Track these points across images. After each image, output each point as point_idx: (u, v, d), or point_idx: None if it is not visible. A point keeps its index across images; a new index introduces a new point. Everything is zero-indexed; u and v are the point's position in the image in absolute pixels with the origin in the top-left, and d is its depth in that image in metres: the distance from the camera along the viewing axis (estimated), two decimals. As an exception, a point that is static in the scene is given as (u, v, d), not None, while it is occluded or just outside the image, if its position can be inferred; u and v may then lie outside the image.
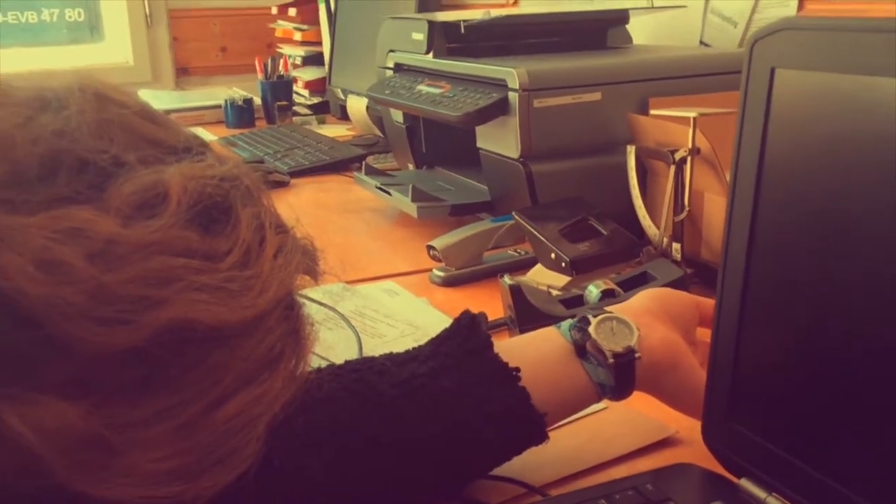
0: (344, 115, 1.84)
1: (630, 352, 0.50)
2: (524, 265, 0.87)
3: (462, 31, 1.05)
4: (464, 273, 0.87)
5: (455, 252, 0.86)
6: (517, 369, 0.48)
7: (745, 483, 0.45)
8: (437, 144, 1.17)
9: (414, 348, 0.50)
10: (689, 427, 0.55)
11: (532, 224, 0.81)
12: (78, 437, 0.33)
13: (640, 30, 1.26)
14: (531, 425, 0.48)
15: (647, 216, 0.86)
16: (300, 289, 0.43)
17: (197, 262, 0.36)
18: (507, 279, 0.69)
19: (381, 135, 1.56)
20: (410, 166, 1.22)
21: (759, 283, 0.44)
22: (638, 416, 0.57)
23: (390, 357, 0.50)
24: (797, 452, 0.42)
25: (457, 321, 0.50)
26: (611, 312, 0.52)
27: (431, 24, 1.07)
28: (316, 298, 0.52)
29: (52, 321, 0.32)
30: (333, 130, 1.78)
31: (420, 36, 1.09)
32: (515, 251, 0.91)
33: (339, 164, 1.43)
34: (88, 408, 0.33)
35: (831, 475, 0.40)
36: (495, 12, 1.06)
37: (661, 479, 0.47)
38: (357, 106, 1.64)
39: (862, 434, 0.39)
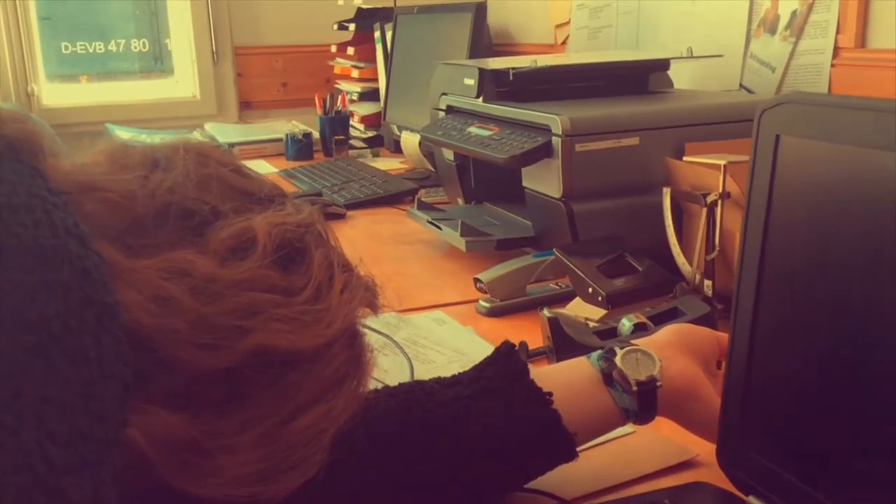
0: (397, 149, 1.93)
1: (652, 380, 0.56)
2: (564, 298, 0.93)
3: (511, 77, 1.12)
4: (507, 304, 0.93)
5: (500, 285, 0.93)
6: (550, 394, 0.54)
7: (752, 500, 0.51)
8: (485, 181, 1.24)
9: (459, 373, 0.57)
10: (709, 451, 0.60)
11: (571, 260, 0.87)
12: (179, 442, 0.40)
13: (682, 74, 1.32)
14: (562, 444, 0.54)
15: (681, 254, 0.92)
16: (362, 319, 0.50)
17: (278, 296, 0.44)
18: (546, 312, 0.76)
19: (432, 169, 1.64)
20: (460, 201, 1.30)
21: (767, 321, 0.50)
22: (662, 440, 0.63)
23: (438, 381, 0.56)
24: (800, 474, 0.48)
25: (497, 350, 0.57)
26: (636, 345, 0.58)
27: (482, 70, 1.15)
28: (374, 328, 0.60)
29: (163, 346, 0.39)
30: (387, 163, 1.86)
31: (471, 81, 1.17)
32: (556, 284, 0.97)
33: (393, 197, 1.51)
34: (188, 418, 0.41)
35: (832, 497, 0.45)
36: (542, 60, 1.13)
37: (677, 494, 0.53)
38: (410, 141, 1.72)
39: (862, 462, 0.44)
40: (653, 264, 0.90)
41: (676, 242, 0.93)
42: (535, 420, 0.54)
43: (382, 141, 2.10)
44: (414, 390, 0.55)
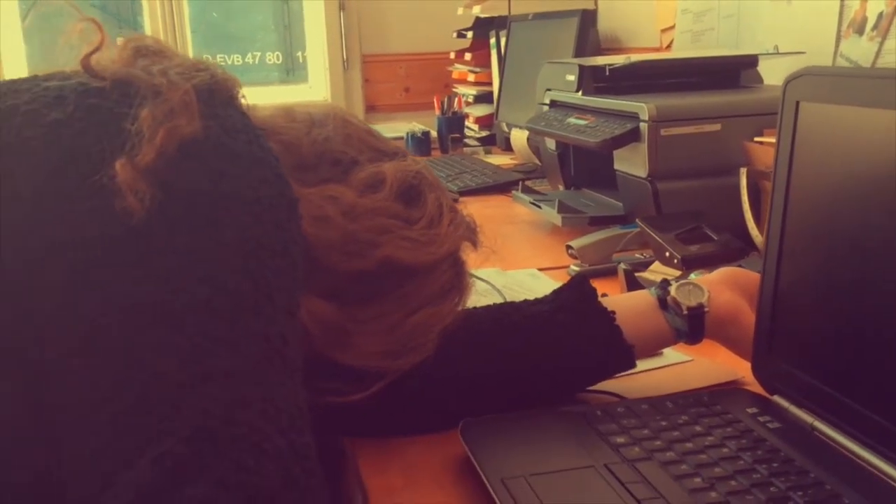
0: (508, 147, 2.07)
1: (700, 307, 0.68)
2: (646, 265, 1.05)
3: (607, 73, 1.25)
4: (595, 269, 1.06)
5: (589, 251, 1.06)
6: (613, 312, 0.67)
7: (777, 398, 0.62)
8: (583, 168, 1.37)
9: (542, 296, 0.71)
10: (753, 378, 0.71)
11: (652, 228, 0.99)
12: (329, 323, 0.56)
13: (775, 72, 1.40)
14: (622, 353, 0.67)
15: (754, 227, 1.02)
16: (468, 259, 0.65)
17: (401, 223, 0.60)
18: (623, 265, 0.88)
19: (538, 163, 1.78)
20: (560, 187, 1.43)
21: (790, 256, 0.62)
22: (713, 365, 0.75)
23: (524, 301, 0.71)
24: (816, 375, 0.59)
25: (573, 279, 0.70)
26: (689, 280, 0.70)
27: (582, 67, 1.28)
28: (478, 275, 0.74)
29: (318, 251, 0.55)
30: (498, 159, 2.01)
31: (572, 77, 1.31)
32: (640, 254, 1.09)
33: (501, 186, 1.66)
34: (335, 307, 0.57)
35: (844, 393, 0.56)
36: (636, 57, 1.26)
37: (716, 395, 0.65)
38: (519, 137, 1.87)
39: (870, 366, 0.55)
40: (728, 236, 1.00)
41: (751, 216, 1.03)
42: (600, 333, 0.67)
43: (495, 140, 2.26)
44: (505, 306, 0.70)
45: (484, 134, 2.31)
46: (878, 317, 0.53)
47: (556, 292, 0.70)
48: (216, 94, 0.48)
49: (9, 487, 0.39)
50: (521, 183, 1.43)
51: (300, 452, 0.38)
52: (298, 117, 0.63)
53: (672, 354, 0.78)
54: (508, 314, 0.68)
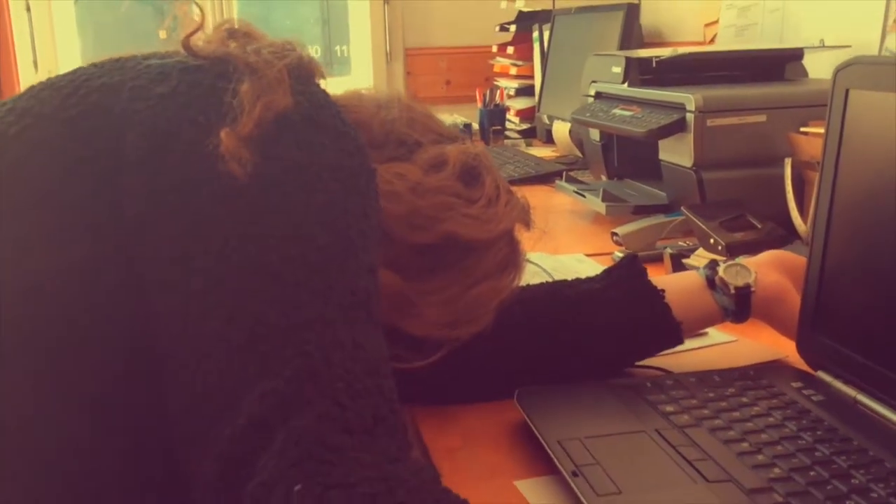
0: (549, 140, 2.10)
1: (747, 287, 0.70)
2: (690, 252, 1.07)
3: (653, 65, 1.27)
4: (641, 255, 1.08)
5: (633, 238, 1.09)
6: (662, 290, 0.70)
7: (820, 374, 0.65)
8: (627, 159, 1.40)
9: (592, 276, 0.74)
10: (798, 358, 0.74)
11: (697, 216, 1.02)
12: (395, 293, 0.60)
13: (821, 66, 1.41)
14: (670, 330, 0.70)
15: (798, 216, 1.04)
16: (521, 240, 0.68)
17: (462, 201, 0.63)
18: (669, 249, 0.91)
19: (580, 155, 1.80)
20: (603, 178, 1.46)
21: (836, 240, 0.64)
22: (758, 345, 0.77)
23: (576, 279, 0.74)
24: (858, 350, 0.61)
25: (623, 258, 0.73)
26: (737, 261, 0.73)
27: (629, 59, 1.31)
28: (528, 258, 0.78)
29: (388, 225, 0.59)
30: (539, 151, 2.04)
31: (618, 69, 1.33)
32: (684, 242, 1.12)
33: (543, 177, 1.69)
34: (401, 278, 0.60)
35: (888, 367, 0.58)
36: (682, 50, 1.28)
37: (760, 369, 0.68)
38: (561, 129, 1.89)
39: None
40: (772, 224, 1.03)
41: (795, 206, 1.05)
42: (650, 309, 0.70)
43: (535, 133, 2.28)
44: (558, 283, 0.73)
45: (525, 127, 2.34)
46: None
47: (607, 271, 0.73)
48: (303, 73, 0.52)
49: (115, 430, 0.43)
50: (564, 173, 1.46)
51: (387, 394, 0.42)
52: (366, 100, 0.67)
53: (717, 335, 0.81)
54: (561, 290, 0.72)
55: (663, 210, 1.21)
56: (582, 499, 0.49)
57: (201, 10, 0.52)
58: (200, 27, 0.51)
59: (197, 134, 0.45)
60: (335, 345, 0.41)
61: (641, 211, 1.22)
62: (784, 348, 0.75)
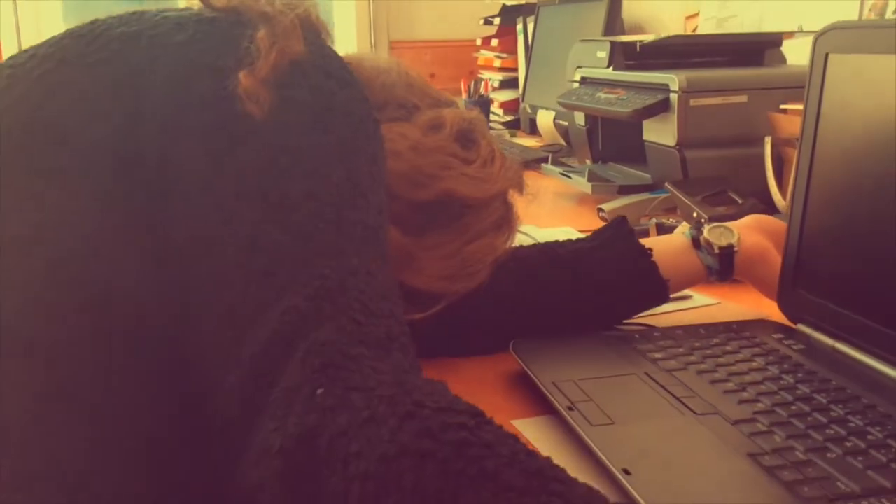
0: (532, 131, 2.13)
1: (730, 247, 0.74)
2: (673, 228, 1.10)
3: (638, 49, 1.31)
4: (625, 230, 1.12)
5: (620, 214, 1.11)
6: (650, 249, 0.73)
7: (800, 326, 0.68)
8: (611, 142, 1.43)
9: (582, 237, 0.77)
10: (780, 318, 0.77)
11: (680, 190, 1.05)
12: (397, 247, 0.62)
13: (799, 54, 1.46)
14: (657, 287, 0.73)
15: (778, 193, 1.08)
16: (513, 202, 0.71)
17: (459, 161, 0.66)
18: (655, 220, 0.94)
19: (564, 143, 1.84)
20: (588, 162, 1.49)
21: (815, 199, 0.68)
22: (739, 306, 0.81)
23: (567, 240, 0.77)
24: (835, 300, 0.65)
25: (613, 220, 0.76)
26: (720, 223, 0.76)
27: (613, 43, 1.34)
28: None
29: (390, 181, 0.61)
30: (524, 141, 2.07)
31: (603, 54, 1.37)
32: (668, 219, 1.15)
33: (529, 163, 1.72)
34: (401, 232, 0.63)
35: (863, 314, 0.61)
36: (666, 34, 1.31)
37: (743, 324, 0.71)
38: (545, 118, 1.92)
39: (886, 290, 0.61)
40: (753, 200, 1.06)
41: (774, 182, 1.09)
42: (638, 267, 0.73)
43: (519, 124, 2.32)
44: (550, 243, 0.76)
45: (509, 118, 2.37)
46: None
47: (597, 232, 0.76)
48: (312, 26, 0.54)
49: (140, 360, 0.45)
50: (550, 156, 1.49)
51: (398, 318, 0.44)
52: (367, 63, 0.69)
53: (700, 298, 0.84)
54: (554, 249, 0.75)
55: (647, 189, 1.25)
56: (577, 429, 0.52)
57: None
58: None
59: (215, 77, 0.47)
60: (349, 271, 0.44)
61: (626, 191, 1.26)
62: (765, 310, 0.78)
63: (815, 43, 0.67)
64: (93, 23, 0.54)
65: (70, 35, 0.52)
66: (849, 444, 0.49)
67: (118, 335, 0.45)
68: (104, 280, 0.45)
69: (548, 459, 0.37)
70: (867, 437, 0.50)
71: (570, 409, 0.55)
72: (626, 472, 0.46)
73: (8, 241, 0.46)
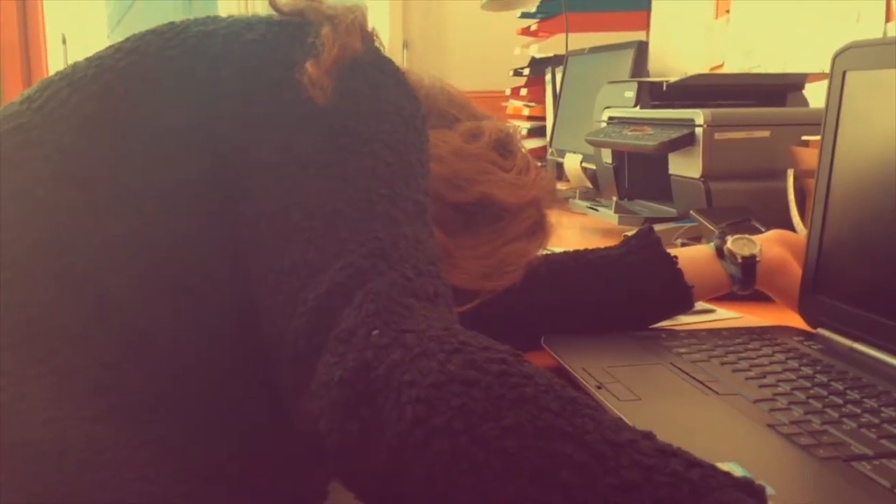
0: (560, 175, 2.18)
1: (753, 257, 0.77)
2: (698, 255, 1.14)
3: (664, 88, 1.36)
4: (651, 257, 1.15)
5: (645, 240, 1.16)
6: (675, 257, 0.77)
7: (819, 330, 0.71)
8: (637, 180, 1.48)
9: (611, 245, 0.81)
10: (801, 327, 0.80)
11: (705, 218, 1.09)
12: (439, 245, 0.67)
13: (820, 98, 1.50)
14: (682, 294, 0.77)
15: (800, 223, 1.11)
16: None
17: (497, 167, 0.71)
18: (681, 240, 0.98)
19: (591, 186, 1.89)
20: (615, 199, 1.53)
21: (834, 211, 0.71)
22: (761, 319, 0.84)
23: (597, 248, 0.81)
24: (855, 303, 0.68)
25: (640, 230, 0.80)
26: (744, 235, 0.80)
27: (640, 83, 1.40)
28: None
29: (433, 184, 0.66)
30: (551, 184, 2.12)
31: (630, 94, 1.42)
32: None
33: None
34: (442, 232, 0.67)
35: (880, 313, 0.65)
36: (692, 73, 1.37)
37: (765, 328, 0.74)
38: (573, 162, 1.98)
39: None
40: (776, 228, 1.10)
41: (797, 213, 1.12)
42: (664, 274, 0.77)
43: (546, 170, 2.37)
44: (581, 250, 0.80)
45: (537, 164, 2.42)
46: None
47: (625, 240, 0.80)
48: (368, 30, 0.60)
49: (207, 314, 0.50)
50: (577, 191, 1.53)
51: (443, 280, 0.48)
52: (411, 76, 0.75)
53: (724, 312, 0.87)
54: (584, 255, 0.79)
55: (673, 221, 1.29)
56: (606, 404, 0.55)
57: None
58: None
59: (285, 66, 0.53)
60: (401, 236, 0.48)
61: (652, 222, 1.29)
62: (785, 323, 0.81)
63: (833, 61, 0.72)
64: (171, 24, 0.60)
65: (151, 32, 0.58)
66: (863, 419, 0.52)
67: (196, 296, 0.50)
68: (184, 251, 0.50)
69: (579, 393, 0.41)
70: (881, 415, 0.53)
71: (598, 387, 0.58)
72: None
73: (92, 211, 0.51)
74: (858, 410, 0.53)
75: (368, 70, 0.55)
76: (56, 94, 0.55)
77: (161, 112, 0.54)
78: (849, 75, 0.70)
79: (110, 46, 0.59)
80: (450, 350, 0.41)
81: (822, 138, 0.73)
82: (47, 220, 0.50)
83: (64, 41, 2.72)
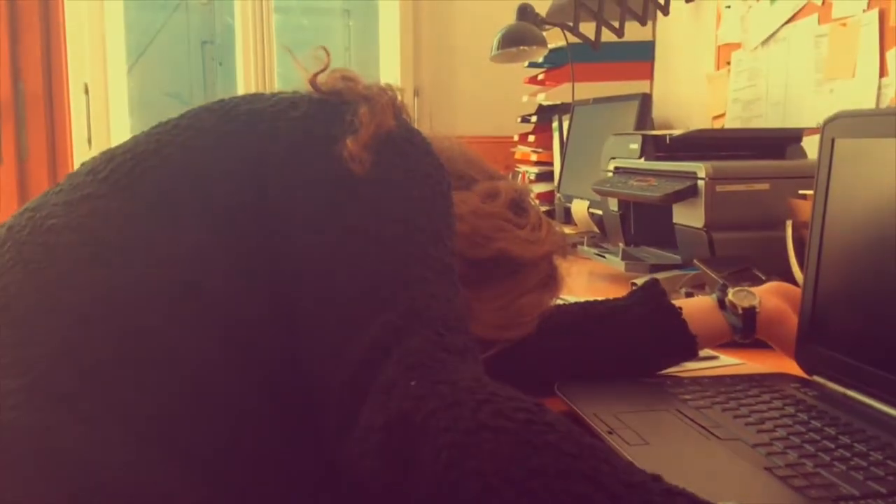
0: (567, 220, 2.25)
1: (753, 308, 0.83)
2: (702, 302, 1.19)
3: (667, 141, 1.43)
4: (657, 304, 1.20)
5: (651, 288, 1.21)
6: (680, 308, 0.83)
7: (815, 378, 0.76)
8: (643, 227, 1.54)
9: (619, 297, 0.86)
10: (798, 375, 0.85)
11: (708, 266, 1.15)
12: None
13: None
14: (687, 343, 0.82)
15: (799, 272, 1.17)
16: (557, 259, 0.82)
17: (512, 225, 0.77)
18: (686, 289, 1.03)
19: (598, 231, 1.95)
20: (621, 245, 1.59)
21: (826, 267, 0.77)
22: (761, 366, 0.89)
23: (605, 298, 0.86)
24: (849, 354, 0.73)
25: (645, 282, 0.86)
26: (744, 287, 0.85)
27: (645, 136, 1.47)
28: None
29: (453, 241, 0.72)
30: (559, 229, 2.18)
31: (635, 146, 1.49)
32: (697, 294, 1.24)
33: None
34: (461, 285, 0.73)
35: (871, 364, 0.70)
36: (695, 128, 1.44)
37: (765, 375, 0.79)
38: (580, 207, 2.04)
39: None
40: (776, 278, 1.15)
41: (796, 262, 1.18)
42: (669, 324, 0.82)
43: (554, 214, 2.44)
44: (590, 301, 0.86)
45: (545, 209, 2.49)
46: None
47: (632, 292, 0.86)
48: (400, 107, 0.66)
49: (260, 364, 0.56)
50: (585, 237, 1.59)
51: (471, 336, 0.54)
52: (435, 142, 0.81)
53: (726, 359, 0.92)
54: (593, 306, 0.84)
55: (677, 269, 1.34)
56: (616, 447, 0.61)
57: (327, 52, 0.67)
58: (326, 67, 0.66)
59: (327, 142, 0.59)
60: (433, 296, 0.54)
61: (658, 269, 1.35)
62: (785, 370, 0.86)
63: (823, 129, 0.78)
64: (221, 101, 0.66)
65: (205, 110, 0.65)
66: (852, 463, 0.57)
67: (235, 349, 0.55)
68: (229, 301, 0.56)
69: (594, 440, 0.46)
70: (868, 458, 0.58)
71: (609, 432, 0.63)
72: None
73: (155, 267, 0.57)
74: (848, 454, 0.58)
75: (401, 144, 0.62)
76: (120, 166, 0.61)
77: (215, 184, 0.60)
78: (837, 142, 0.76)
79: (167, 122, 0.65)
80: (480, 400, 0.46)
81: (815, 199, 0.79)
82: (112, 279, 0.56)
83: (86, 91, 2.81)
